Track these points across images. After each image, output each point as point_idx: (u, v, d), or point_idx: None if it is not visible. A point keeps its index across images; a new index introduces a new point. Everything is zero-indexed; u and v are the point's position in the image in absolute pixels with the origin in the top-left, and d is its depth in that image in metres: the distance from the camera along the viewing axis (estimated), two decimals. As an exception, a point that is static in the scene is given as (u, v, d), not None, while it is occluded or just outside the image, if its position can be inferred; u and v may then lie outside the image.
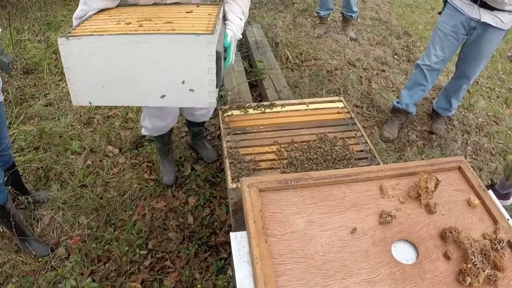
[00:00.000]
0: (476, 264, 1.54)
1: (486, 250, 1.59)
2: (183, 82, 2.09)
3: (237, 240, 1.61)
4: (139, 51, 2.01)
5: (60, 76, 4.91)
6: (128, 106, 4.37)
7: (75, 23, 2.28)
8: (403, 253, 1.62)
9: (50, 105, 4.48)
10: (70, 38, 1.99)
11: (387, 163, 3.76)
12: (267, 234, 1.54)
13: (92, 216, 3.29)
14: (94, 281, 2.85)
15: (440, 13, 3.84)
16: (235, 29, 2.36)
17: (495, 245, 1.62)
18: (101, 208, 3.34)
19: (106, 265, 2.99)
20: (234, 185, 2.17)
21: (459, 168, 1.93)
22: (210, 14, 2.28)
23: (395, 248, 1.62)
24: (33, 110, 4.34)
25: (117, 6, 2.40)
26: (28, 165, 3.73)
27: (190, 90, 2.13)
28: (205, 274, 2.96)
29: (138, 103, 2.43)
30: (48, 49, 5.26)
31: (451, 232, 1.63)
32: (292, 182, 1.71)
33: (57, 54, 5.21)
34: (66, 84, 4.55)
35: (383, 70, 5.42)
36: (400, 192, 1.79)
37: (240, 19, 2.46)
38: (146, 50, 2.01)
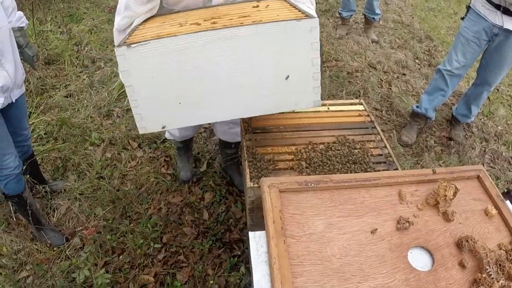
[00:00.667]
0: (491, 274, 1.54)
1: (501, 260, 1.59)
2: (287, 77, 1.86)
3: (256, 240, 1.63)
4: (229, 48, 1.75)
5: (81, 68, 4.95)
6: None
7: (118, 36, 2.08)
8: (419, 259, 1.62)
9: (70, 96, 4.53)
10: (132, 45, 1.69)
11: (404, 168, 3.77)
12: (285, 235, 1.55)
13: (108, 208, 3.33)
14: (107, 272, 2.90)
15: (463, 18, 3.83)
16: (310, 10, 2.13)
17: (510, 256, 1.62)
18: (118, 200, 3.38)
19: (120, 257, 3.03)
20: (253, 184, 2.17)
21: (478, 177, 1.93)
22: (282, 5, 2.06)
23: (411, 254, 1.63)
24: (53, 100, 4.38)
25: (155, 16, 2.20)
26: (47, 154, 3.77)
27: (291, 88, 1.90)
28: (218, 270, 2.99)
29: (225, 117, 2.01)
30: (70, 40, 5.30)
31: (467, 241, 1.63)
32: (312, 184, 1.72)
33: (79, 46, 5.27)
34: (87, 76, 4.69)
35: (404, 74, 5.42)
36: (418, 199, 1.79)
37: (310, 8, 2.23)
38: (238, 45, 1.75)
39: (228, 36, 1.73)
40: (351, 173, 2.24)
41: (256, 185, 2.13)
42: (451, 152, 4.22)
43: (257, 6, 2.11)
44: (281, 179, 1.72)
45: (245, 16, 1.91)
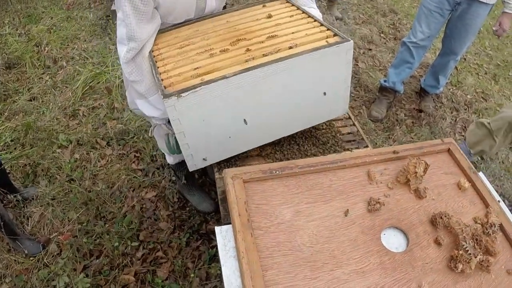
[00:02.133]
0: (468, 250, 1.51)
1: (477, 235, 1.56)
2: (325, 93, 2.01)
3: (223, 234, 1.58)
4: (275, 81, 1.85)
5: (43, 69, 4.83)
6: (113, 97, 4.32)
7: (128, 69, 2.02)
8: (393, 240, 1.59)
9: (34, 99, 4.41)
10: (182, 95, 1.71)
11: (376, 143, 3.76)
12: (252, 227, 1.50)
13: (81, 210, 3.26)
14: (87, 276, 2.84)
15: None
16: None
17: (486, 229, 1.59)
18: (90, 201, 3.31)
19: (99, 259, 2.97)
20: (220, 174, 2.14)
21: (448, 150, 1.90)
22: (292, 16, 2.18)
23: (384, 236, 1.59)
24: (17, 105, 4.27)
25: (164, 36, 2.19)
26: (15, 162, 3.68)
27: (326, 102, 2.05)
28: (198, 263, 2.96)
29: (269, 139, 2.15)
30: (30, 42, 5.17)
31: (441, 217, 1.60)
32: (277, 172, 1.67)
33: (39, 46, 5.15)
34: (49, 77, 4.60)
35: (370, 49, 5.39)
36: (388, 178, 1.75)
37: (315, 8, 2.34)
38: (284, 77, 1.85)
39: (276, 70, 1.82)
40: (323, 154, 2.21)
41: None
42: (422, 124, 4.21)
43: (271, 17, 2.21)
44: (244, 168, 1.67)
45: (273, 36, 2.01)
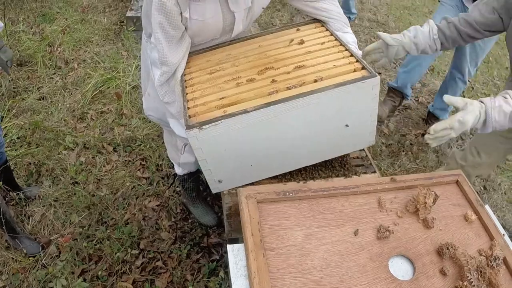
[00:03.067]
0: (472, 282, 1.53)
1: (482, 267, 1.58)
2: (347, 125, 1.98)
3: (234, 253, 1.60)
4: (299, 115, 1.84)
5: (54, 69, 4.87)
6: (123, 103, 4.34)
7: (162, 91, 2.08)
8: (400, 268, 1.61)
9: (43, 98, 4.44)
10: (203, 127, 1.75)
11: (380, 168, 3.77)
12: (265, 248, 1.52)
13: (84, 214, 3.27)
14: (85, 280, 2.84)
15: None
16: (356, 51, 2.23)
17: (490, 262, 1.61)
18: (93, 206, 3.32)
19: (98, 264, 2.97)
20: (229, 190, 2.16)
21: (457, 181, 1.92)
22: (324, 43, 2.17)
23: (392, 263, 1.61)
24: (26, 103, 4.30)
25: (195, 60, 2.23)
26: (20, 160, 3.69)
27: (350, 134, 2.03)
28: (197, 276, 2.95)
29: (291, 168, 2.16)
30: (43, 41, 5.20)
31: (448, 248, 1.62)
32: (291, 194, 1.69)
33: (52, 46, 5.19)
34: (60, 78, 4.62)
35: (380, 73, 5.41)
36: (398, 206, 1.78)
37: (349, 33, 2.35)
38: (307, 111, 1.85)
39: (299, 105, 1.81)
40: (332, 176, 2.23)
41: (233, 191, 2.14)
42: (428, 150, 4.22)
43: (303, 43, 2.19)
44: (258, 188, 1.69)
45: (300, 67, 1.99)
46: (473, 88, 5.41)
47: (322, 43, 2.17)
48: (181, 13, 1.88)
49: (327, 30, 2.29)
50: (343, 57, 2.03)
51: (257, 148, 1.91)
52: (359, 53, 2.27)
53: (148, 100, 2.52)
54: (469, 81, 4.27)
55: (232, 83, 1.98)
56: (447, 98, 1.90)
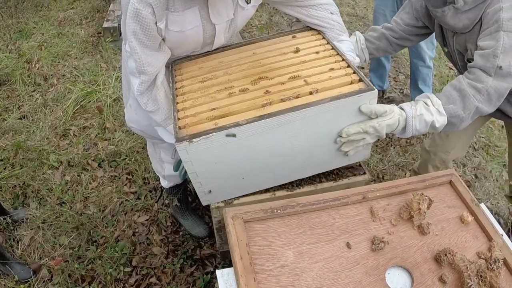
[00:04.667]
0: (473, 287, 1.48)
1: (482, 271, 1.53)
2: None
3: (224, 278, 1.54)
4: (292, 128, 1.81)
5: (33, 86, 4.80)
6: (105, 116, 4.27)
7: (143, 100, 2.02)
8: (398, 280, 1.55)
9: (24, 117, 4.38)
10: (194, 140, 1.70)
11: (369, 165, 3.74)
12: (255, 271, 1.46)
13: (73, 234, 3.22)
14: (79, 303, 2.79)
15: None
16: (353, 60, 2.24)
17: (490, 264, 1.56)
18: (82, 226, 3.27)
19: (91, 285, 2.92)
20: (217, 205, 2.13)
21: (450, 182, 1.87)
22: (319, 52, 2.13)
23: (389, 275, 1.55)
24: (7, 124, 4.24)
25: (186, 65, 2.20)
26: (5, 182, 3.63)
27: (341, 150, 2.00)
28: (192, 289, 2.89)
29: (284, 181, 2.13)
30: (20, 58, 5.15)
31: (446, 254, 1.57)
32: (279, 211, 1.63)
33: (30, 63, 5.13)
34: (40, 95, 4.55)
35: (362, 67, 5.37)
36: (391, 214, 1.72)
37: (346, 40, 2.33)
38: (301, 124, 1.81)
39: (294, 119, 1.78)
40: (321, 182, 2.18)
41: (221, 204, 2.12)
42: (415, 142, 4.18)
43: (298, 51, 2.16)
44: (244, 208, 1.63)
45: (295, 77, 1.96)
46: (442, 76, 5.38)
47: (317, 52, 2.13)
48: (156, 23, 1.82)
49: (323, 38, 2.26)
50: (340, 68, 2.00)
51: (249, 161, 1.88)
52: (356, 61, 2.27)
53: (130, 112, 2.46)
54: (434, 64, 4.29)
55: (225, 92, 1.94)
56: (364, 107, 1.85)
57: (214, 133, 1.70)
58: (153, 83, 2.00)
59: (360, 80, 1.90)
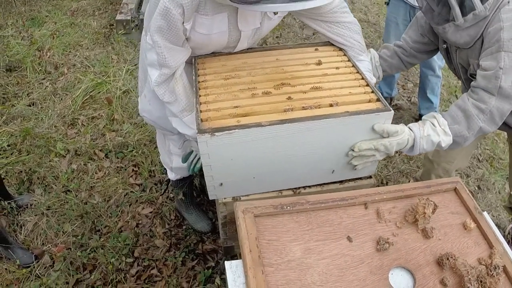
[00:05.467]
0: (473, 293, 1.51)
1: (482, 276, 1.56)
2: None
3: (233, 270, 1.57)
4: (310, 136, 1.86)
5: (43, 74, 4.83)
6: (114, 108, 4.30)
7: (160, 91, 2.04)
8: (400, 280, 1.58)
9: (33, 104, 4.41)
10: (216, 134, 1.73)
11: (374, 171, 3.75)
12: (263, 264, 1.49)
13: (77, 222, 3.25)
14: (79, 290, 2.81)
15: (387, 3, 4.02)
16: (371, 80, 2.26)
17: (490, 271, 1.59)
18: (86, 214, 3.30)
19: (92, 273, 2.95)
20: (224, 200, 2.14)
21: (455, 189, 1.90)
22: (339, 68, 2.19)
23: (392, 275, 1.59)
24: (16, 110, 4.26)
25: (209, 62, 2.22)
26: (11, 167, 3.65)
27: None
28: (193, 283, 2.93)
29: (292, 186, 2.16)
30: (32, 46, 5.17)
31: (448, 258, 1.60)
32: (288, 207, 1.67)
33: (41, 51, 5.14)
34: (49, 83, 4.58)
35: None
36: (397, 216, 1.75)
37: (366, 60, 2.38)
38: (319, 133, 1.86)
39: (314, 127, 1.83)
40: (326, 183, 2.21)
41: (228, 199, 2.13)
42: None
43: (320, 64, 2.21)
44: (255, 203, 1.66)
45: (317, 88, 2.01)
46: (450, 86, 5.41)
47: (337, 68, 2.19)
48: (183, 23, 1.86)
49: (344, 55, 2.31)
50: (359, 86, 2.06)
51: (263, 162, 1.92)
52: (373, 81, 2.31)
53: (144, 101, 2.49)
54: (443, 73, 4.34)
55: (248, 93, 1.98)
56: (377, 126, 1.91)
57: (237, 130, 1.74)
58: (172, 75, 2.02)
59: (378, 100, 1.96)
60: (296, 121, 1.79)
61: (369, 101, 1.96)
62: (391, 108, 1.89)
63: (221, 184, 2.01)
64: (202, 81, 2.07)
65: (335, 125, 1.84)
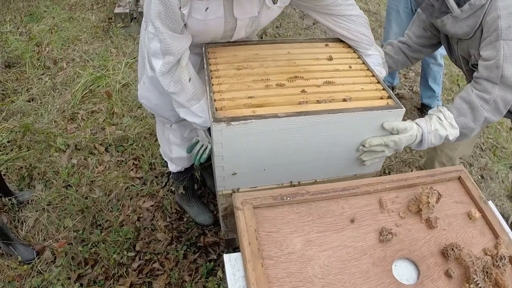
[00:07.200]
0: (478, 284, 1.48)
1: (487, 267, 1.53)
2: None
3: (232, 263, 1.54)
4: (324, 129, 1.86)
5: (42, 69, 4.79)
6: (113, 101, 4.28)
7: (165, 81, 2.01)
8: (404, 272, 1.56)
9: (32, 100, 4.37)
10: (232, 123, 1.71)
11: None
12: (263, 257, 1.46)
13: (77, 217, 3.22)
14: (82, 285, 2.81)
15: None
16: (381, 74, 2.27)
17: (496, 261, 1.57)
18: (87, 209, 3.27)
19: (94, 268, 2.92)
20: (225, 192, 2.12)
21: (459, 178, 1.87)
22: (351, 66, 2.19)
23: (395, 267, 1.56)
24: (15, 106, 4.22)
25: (221, 50, 2.21)
26: (11, 164, 3.63)
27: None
28: (195, 276, 2.91)
29: (300, 178, 2.15)
30: (30, 41, 5.13)
31: (452, 249, 1.57)
32: (288, 198, 1.64)
33: (40, 46, 5.11)
34: (49, 78, 4.55)
35: (373, 62, 5.37)
36: (400, 206, 1.72)
37: (375, 54, 2.35)
38: (332, 127, 1.87)
39: (330, 121, 1.83)
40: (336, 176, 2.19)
41: (228, 191, 2.10)
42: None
43: (331, 59, 2.22)
44: (254, 194, 1.64)
45: (330, 83, 2.02)
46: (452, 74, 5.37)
47: (349, 65, 2.19)
48: (180, 8, 1.82)
49: (354, 52, 2.31)
50: (371, 83, 2.07)
51: (275, 154, 1.91)
52: (382, 74, 2.29)
53: (143, 88, 2.46)
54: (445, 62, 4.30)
55: (261, 84, 1.96)
56: (386, 124, 1.92)
57: (253, 120, 1.72)
58: (176, 64, 1.99)
59: (389, 97, 1.97)
60: (312, 114, 1.78)
61: (381, 98, 1.96)
62: (402, 106, 1.90)
63: (234, 173, 1.99)
64: (214, 70, 2.05)
65: (349, 119, 1.84)
